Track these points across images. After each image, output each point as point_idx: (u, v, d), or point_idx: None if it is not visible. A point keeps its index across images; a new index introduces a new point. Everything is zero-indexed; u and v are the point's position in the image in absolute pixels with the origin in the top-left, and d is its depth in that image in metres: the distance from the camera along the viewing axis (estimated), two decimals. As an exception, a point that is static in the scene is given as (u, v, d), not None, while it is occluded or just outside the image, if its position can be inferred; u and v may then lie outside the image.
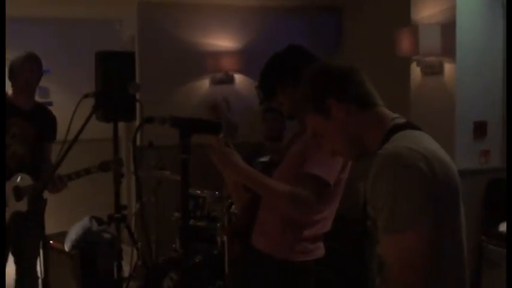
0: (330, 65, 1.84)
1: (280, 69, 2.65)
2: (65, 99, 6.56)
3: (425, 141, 1.61)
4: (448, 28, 4.37)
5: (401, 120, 1.71)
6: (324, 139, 1.77)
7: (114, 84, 3.90)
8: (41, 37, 7.13)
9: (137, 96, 4.67)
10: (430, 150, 1.55)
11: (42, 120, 4.11)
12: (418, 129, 1.68)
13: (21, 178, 3.91)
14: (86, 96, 2.48)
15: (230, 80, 6.34)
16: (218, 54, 6.23)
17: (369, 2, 6.05)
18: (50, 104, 6.50)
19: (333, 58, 6.70)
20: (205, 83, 6.27)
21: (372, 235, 1.56)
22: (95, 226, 4.79)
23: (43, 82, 7.00)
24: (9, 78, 4.07)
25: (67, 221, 5.50)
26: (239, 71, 6.36)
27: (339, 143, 1.74)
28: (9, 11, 6.74)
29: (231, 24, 6.46)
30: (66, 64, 7.15)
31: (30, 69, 4.03)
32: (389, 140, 1.61)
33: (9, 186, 3.90)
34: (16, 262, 4.13)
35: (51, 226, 4.44)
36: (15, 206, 3.90)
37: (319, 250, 2.57)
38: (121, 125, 5.92)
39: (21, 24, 7.09)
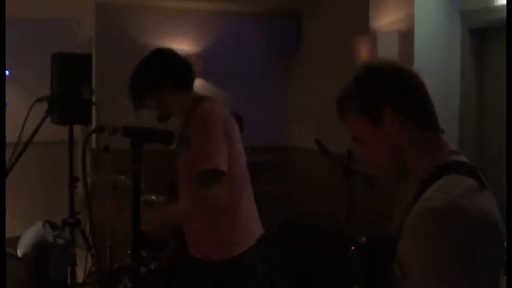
0: (394, 66, 1.56)
1: (147, 73, 2.70)
2: (21, 100, 6.42)
3: (483, 199, 1.36)
4: (406, 36, 4.41)
5: (460, 157, 1.47)
6: (364, 146, 1.57)
7: (70, 86, 3.81)
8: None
9: (93, 99, 4.60)
10: (487, 211, 1.33)
11: None
12: (476, 173, 1.42)
13: None
14: (39, 100, 2.43)
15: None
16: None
17: (328, 9, 6.08)
18: (6, 105, 6.36)
19: (290, 63, 6.72)
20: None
21: (396, 279, 1.40)
22: (49, 231, 4.68)
23: (-2, 83, 6.95)
24: None
25: (20, 225, 5.38)
26: (198, 76, 6.30)
27: (379, 156, 1.55)
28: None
29: (190, 27, 6.43)
30: (22, 65, 7.03)
31: None
32: (439, 178, 1.39)
33: None
34: None
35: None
36: None
37: (248, 239, 2.69)
38: (77, 127, 5.82)
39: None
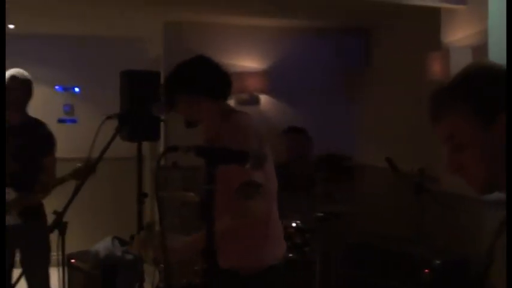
0: (504, 70, 1.43)
1: (184, 78, 2.67)
2: (91, 117, 6.56)
3: None
4: (480, 51, 4.28)
5: None
6: (459, 151, 1.42)
7: (139, 104, 3.84)
8: (69, 55, 7.16)
9: (162, 116, 4.64)
10: None
11: (31, 135, 4.09)
12: None
13: (8, 192, 3.92)
14: (108, 117, 2.44)
15: (255, 101, 6.30)
16: (243, 75, 6.19)
17: (398, 25, 5.98)
18: (74, 121, 6.52)
19: (358, 80, 6.63)
20: (230, 104, 6.21)
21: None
22: (117, 247, 4.74)
23: (69, 100, 7.11)
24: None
25: (90, 240, 5.47)
26: (264, 92, 6.32)
27: (477, 163, 1.40)
28: (38, 27, 6.82)
29: (257, 44, 6.43)
30: (92, 82, 7.18)
31: (15, 87, 4.06)
32: None
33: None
34: (26, 279, 4.12)
35: (73, 245, 4.39)
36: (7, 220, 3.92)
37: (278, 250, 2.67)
38: (146, 143, 5.89)
39: (49, 41, 7.13)
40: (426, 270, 3.82)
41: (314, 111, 6.51)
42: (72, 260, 4.82)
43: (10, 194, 3.93)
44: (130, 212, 4.13)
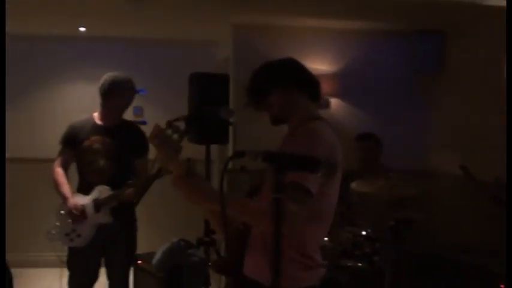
0: None
1: (280, 69, 2.62)
2: (159, 119, 6.61)
3: None
4: None
5: None
6: None
7: (208, 106, 3.85)
8: (138, 58, 7.27)
9: (231, 119, 4.62)
10: None
11: (126, 136, 4.19)
12: None
13: (100, 190, 4.08)
14: (176, 120, 2.43)
15: (326, 105, 6.23)
16: (313, 78, 6.11)
17: (475, 27, 5.79)
18: (144, 123, 6.58)
19: (433, 84, 6.46)
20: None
21: None
22: (183, 249, 4.75)
23: (138, 102, 7.18)
24: (101, 96, 4.18)
25: (156, 242, 5.51)
26: (335, 95, 6.24)
27: None
28: (108, 31, 6.94)
29: (327, 47, 6.36)
30: (161, 85, 7.26)
31: (123, 100, 4.20)
32: None
33: (90, 199, 4.08)
34: (108, 277, 4.29)
35: (140, 246, 4.45)
36: (95, 218, 4.08)
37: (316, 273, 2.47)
38: (214, 146, 5.90)
39: (119, 44, 7.26)
40: (502, 286, 3.66)
41: (385, 115, 6.39)
42: (139, 262, 4.87)
43: (103, 192, 4.07)
44: (198, 215, 4.14)
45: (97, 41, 7.21)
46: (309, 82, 2.62)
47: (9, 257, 6.17)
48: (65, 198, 4.07)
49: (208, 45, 7.29)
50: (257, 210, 2.27)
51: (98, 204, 4.06)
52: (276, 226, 1.72)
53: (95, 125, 4.19)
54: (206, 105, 4.12)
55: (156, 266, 4.67)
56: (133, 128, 4.28)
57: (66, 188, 4.12)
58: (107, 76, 4.16)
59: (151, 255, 4.88)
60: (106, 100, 4.15)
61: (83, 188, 4.15)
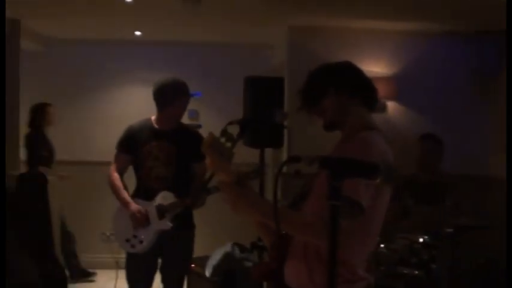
0: None
1: (335, 72, 2.54)
2: (215, 122, 6.65)
3: None
4: None
5: None
6: None
7: (262, 110, 3.84)
8: (193, 61, 7.33)
9: (285, 123, 4.61)
10: None
11: (185, 140, 4.17)
12: None
13: (163, 196, 4.06)
14: (230, 123, 2.42)
15: (382, 108, 6.14)
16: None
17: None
18: (200, 126, 6.64)
19: (495, 87, 6.30)
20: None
21: None
22: (237, 253, 4.75)
23: (193, 105, 7.22)
24: (156, 101, 4.16)
25: (210, 245, 5.53)
26: (392, 99, 6.15)
27: None
28: (164, 35, 7.03)
29: (384, 49, 6.28)
30: (216, 88, 7.31)
31: (180, 105, 4.18)
32: None
33: (152, 205, 4.06)
34: (163, 282, 4.27)
35: (194, 249, 4.47)
36: (158, 224, 4.05)
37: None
38: (269, 150, 5.89)
39: (174, 48, 7.34)
40: None
41: (445, 119, 6.26)
42: (192, 265, 4.89)
43: (167, 198, 4.06)
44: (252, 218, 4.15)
45: (153, 45, 7.31)
46: (365, 88, 2.54)
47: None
48: (126, 203, 4.07)
49: (263, 48, 7.30)
50: (301, 222, 2.24)
51: (162, 211, 4.03)
52: (332, 234, 1.67)
53: (153, 129, 4.16)
54: (261, 108, 4.09)
55: (209, 270, 4.68)
56: (191, 133, 4.27)
57: (125, 193, 4.12)
58: (160, 81, 4.15)
59: (205, 258, 4.90)
60: (161, 106, 4.14)
61: (141, 193, 4.14)
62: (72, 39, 7.20)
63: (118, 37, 7.13)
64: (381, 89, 5.99)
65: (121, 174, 4.22)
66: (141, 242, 4.03)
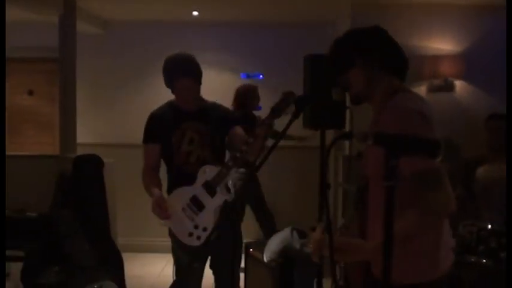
0: None
1: (364, 40, 2.38)
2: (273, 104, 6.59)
3: None
4: None
5: None
6: None
7: (322, 89, 3.72)
8: (252, 42, 7.28)
9: (348, 103, 4.49)
10: None
11: (214, 118, 3.93)
12: None
13: (204, 171, 3.73)
14: (285, 100, 2.34)
15: (450, 87, 5.98)
16: (437, 59, 5.92)
17: None
18: (259, 108, 6.58)
19: None
20: (421, 91, 5.96)
21: None
22: (296, 239, 4.69)
23: (253, 86, 7.23)
24: (167, 81, 3.89)
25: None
26: (460, 77, 5.97)
27: None
28: (222, 15, 6.99)
29: (452, 25, 6.09)
30: (276, 69, 7.26)
31: (183, 88, 3.82)
32: None
33: (198, 187, 3.73)
34: (215, 277, 4.01)
35: (251, 233, 4.41)
36: (214, 202, 3.70)
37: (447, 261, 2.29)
38: (331, 132, 5.81)
39: (233, 28, 7.29)
40: None
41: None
42: (251, 250, 4.86)
43: (209, 171, 3.72)
44: (313, 202, 4.06)
45: (210, 25, 7.28)
46: (395, 57, 2.40)
47: (122, 241, 6.41)
48: (151, 193, 3.75)
49: (324, 25, 7.17)
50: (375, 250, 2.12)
51: (211, 187, 3.71)
52: (388, 217, 1.57)
53: (178, 110, 3.89)
54: (320, 87, 3.98)
55: (268, 256, 4.63)
56: (217, 109, 3.98)
57: (155, 187, 3.79)
58: (168, 58, 3.88)
59: (262, 243, 4.85)
60: (171, 89, 3.88)
61: (178, 182, 3.82)
62: (129, 20, 7.24)
63: (175, 18, 7.12)
64: (448, 67, 5.91)
65: (155, 171, 3.93)
66: (204, 229, 3.71)
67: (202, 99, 3.99)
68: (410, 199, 2.08)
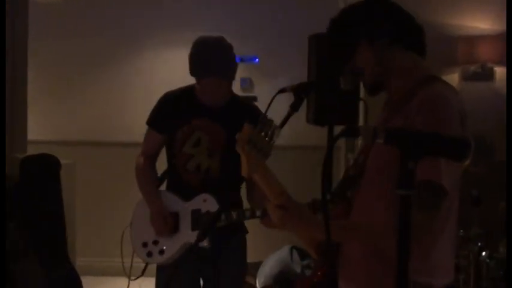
0: None
1: (366, 15, 2.37)
2: (273, 93, 6.56)
3: None
4: None
5: None
6: None
7: (330, 75, 3.67)
8: (247, 18, 7.24)
9: (361, 94, 4.47)
10: None
11: (238, 119, 3.84)
12: None
13: (204, 200, 3.73)
14: (281, 91, 2.30)
15: (489, 75, 5.96)
16: (473, 40, 5.90)
17: None
18: (254, 99, 6.57)
19: None
20: (454, 79, 5.94)
21: None
22: (296, 260, 4.68)
23: (247, 72, 7.19)
24: (193, 71, 3.82)
25: (264, 250, 5.47)
26: (501, 63, 5.94)
27: None
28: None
29: (491, 0, 6.06)
30: (276, 52, 7.26)
31: (209, 84, 3.76)
32: None
33: (187, 208, 3.76)
34: None
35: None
36: (189, 236, 3.73)
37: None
38: (339, 129, 5.79)
39: (225, 4, 7.25)
40: None
41: None
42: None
43: (209, 205, 3.72)
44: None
45: (196, 3, 7.24)
46: (408, 29, 2.38)
47: (82, 262, 6.37)
48: (149, 201, 3.81)
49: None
50: (368, 231, 2.21)
51: (197, 220, 3.72)
52: (403, 234, 1.56)
53: (197, 102, 3.82)
54: (326, 72, 3.95)
55: (262, 280, 4.63)
56: (246, 109, 3.86)
57: (153, 187, 3.88)
58: (195, 43, 3.82)
59: (256, 265, 4.85)
60: (202, 77, 3.77)
61: (175, 187, 3.88)
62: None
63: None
64: (487, 51, 5.89)
65: (153, 160, 3.98)
66: (161, 252, 3.76)
67: (231, 93, 3.91)
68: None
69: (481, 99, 5.90)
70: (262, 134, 2.15)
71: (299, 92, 2.39)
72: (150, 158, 3.96)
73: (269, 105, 2.41)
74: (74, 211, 6.09)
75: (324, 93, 4.21)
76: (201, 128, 3.81)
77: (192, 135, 3.81)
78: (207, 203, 3.71)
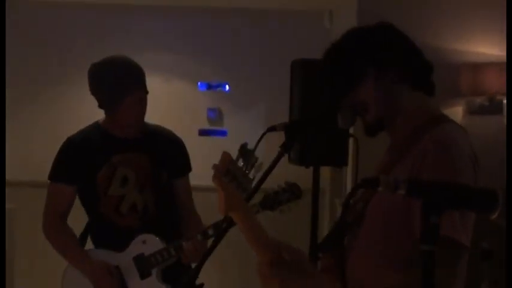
0: None
1: (375, 42, 2.43)
2: (246, 127, 6.64)
3: None
4: None
5: None
6: None
7: (318, 109, 3.82)
8: (219, 36, 7.34)
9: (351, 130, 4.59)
10: None
11: (161, 148, 3.98)
12: None
13: (143, 241, 3.80)
14: (271, 129, 2.40)
15: (497, 109, 6.08)
16: (478, 68, 5.97)
17: None
18: (223, 133, 6.65)
19: None
20: (457, 112, 6.05)
21: None
22: None
23: (214, 102, 7.25)
24: (98, 100, 3.89)
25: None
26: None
27: None
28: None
29: (498, 22, 6.19)
30: (252, 77, 7.31)
31: (134, 102, 3.83)
32: None
33: (127, 258, 3.80)
34: None
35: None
36: (140, 286, 3.78)
37: None
38: (325, 169, 5.87)
39: (189, 18, 7.32)
40: None
41: None
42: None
43: (150, 244, 3.77)
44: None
45: (156, 13, 7.30)
46: (419, 64, 2.47)
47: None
48: (80, 261, 3.79)
49: (319, 17, 7.25)
50: None
51: (144, 265, 3.76)
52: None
53: (110, 137, 3.91)
54: (315, 106, 4.05)
55: None
56: (164, 136, 4.04)
57: (77, 245, 3.88)
58: (95, 69, 3.84)
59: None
60: (107, 107, 3.87)
61: (106, 239, 3.91)
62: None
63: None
64: (495, 80, 6.00)
65: (65, 219, 3.97)
66: None
67: (145, 124, 4.00)
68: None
69: (489, 136, 5.95)
70: (242, 165, 2.12)
71: (292, 132, 2.46)
72: (61, 217, 3.95)
73: (257, 144, 2.40)
74: (13, 263, 6.12)
75: (310, 129, 4.32)
76: (123, 164, 3.87)
77: (115, 173, 3.86)
78: (148, 244, 3.78)
